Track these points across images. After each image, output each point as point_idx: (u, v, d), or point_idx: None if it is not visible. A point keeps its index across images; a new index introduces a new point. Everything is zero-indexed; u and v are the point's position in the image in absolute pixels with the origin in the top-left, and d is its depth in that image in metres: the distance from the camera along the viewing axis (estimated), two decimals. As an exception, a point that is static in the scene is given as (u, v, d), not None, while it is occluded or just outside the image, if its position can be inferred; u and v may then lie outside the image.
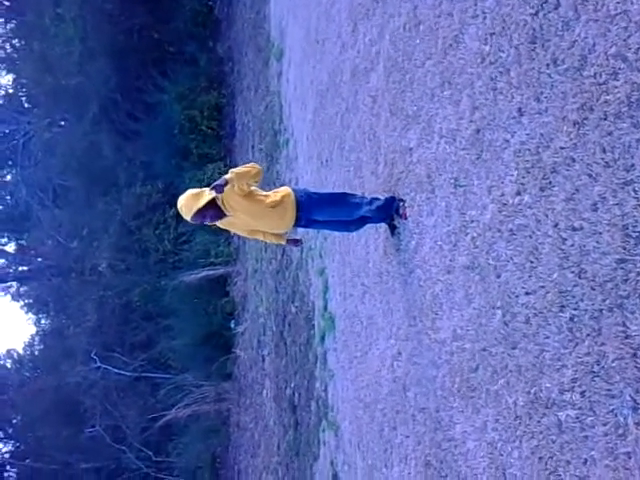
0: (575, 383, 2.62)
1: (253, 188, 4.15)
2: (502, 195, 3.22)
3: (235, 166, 4.64)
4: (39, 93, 17.64)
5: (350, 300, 5.73)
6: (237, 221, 4.25)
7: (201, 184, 10.55)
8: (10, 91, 20.70)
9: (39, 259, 19.97)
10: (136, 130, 15.49)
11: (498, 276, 3.23)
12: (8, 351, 21.03)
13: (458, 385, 3.59)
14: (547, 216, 2.85)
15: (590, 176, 2.60)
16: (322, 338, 6.76)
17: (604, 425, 2.45)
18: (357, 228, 4.75)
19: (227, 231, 6.60)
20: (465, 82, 3.63)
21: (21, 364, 20.89)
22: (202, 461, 14.27)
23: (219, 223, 4.25)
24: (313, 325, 7.25)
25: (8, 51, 20.43)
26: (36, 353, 20.81)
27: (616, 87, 2.48)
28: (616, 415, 2.40)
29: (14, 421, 20.19)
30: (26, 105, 20.34)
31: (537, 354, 2.88)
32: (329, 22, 6.82)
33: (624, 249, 2.41)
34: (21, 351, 21.08)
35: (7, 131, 20.04)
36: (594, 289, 2.54)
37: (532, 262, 2.95)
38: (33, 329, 22.02)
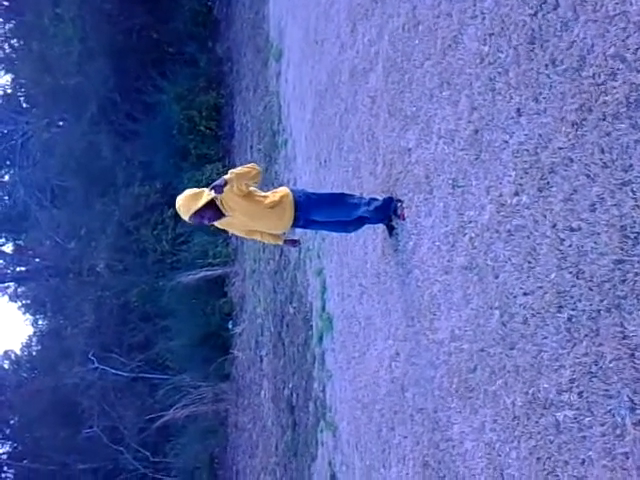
0: (573, 384, 2.63)
1: (252, 189, 4.15)
2: (500, 196, 3.22)
3: (234, 166, 4.64)
4: (38, 93, 17.64)
5: (348, 301, 5.73)
6: (235, 221, 4.25)
7: (199, 184, 10.53)
8: (9, 91, 20.70)
9: (37, 259, 19.95)
10: (135, 130, 15.49)
11: (496, 277, 3.23)
12: (5, 352, 21.04)
13: (456, 385, 3.59)
14: (545, 217, 2.85)
15: (588, 177, 2.60)
16: (320, 339, 6.76)
17: (602, 425, 2.45)
18: (355, 229, 4.75)
19: (225, 231, 6.60)
20: (464, 83, 3.63)
21: (19, 365, 20.86)
22: (200, 462, 14.26)
23: (217, 223, 4.25)
24: (311, 326, 7.25)
25: (7, 51, 20.42)
26: (34, 354, 20.79)
27: (615, 88, 2.48)
28: (614, 415, 2.40)
29: (11, 422, 20.17)
30: (25, 105, 20.33)
31: (535, 354, 2.88)
32: (328, 22, 6.82)
33: (622, 250, 2.41)
34: (19, 352, 21.08)
35: (5, 131, 20.01)
36: (592, 290, 2.54)
37: (530, 263, 2.95)
38: (31, 330, 22.03)
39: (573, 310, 2.65)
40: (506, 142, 3.18)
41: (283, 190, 4.32)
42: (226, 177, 3.90)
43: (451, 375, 3.65)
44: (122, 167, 15.47)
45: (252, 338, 11.07)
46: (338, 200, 4.43)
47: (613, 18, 2.50)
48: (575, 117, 2.68)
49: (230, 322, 13.14)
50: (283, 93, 9.42)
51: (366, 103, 5.33)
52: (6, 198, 20.85)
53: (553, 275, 2.78)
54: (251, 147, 11.97)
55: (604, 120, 2.52)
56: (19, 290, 21.55)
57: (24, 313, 21.44)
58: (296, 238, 5.41)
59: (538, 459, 2.83)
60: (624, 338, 2.38)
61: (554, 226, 2.79)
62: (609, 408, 2.42)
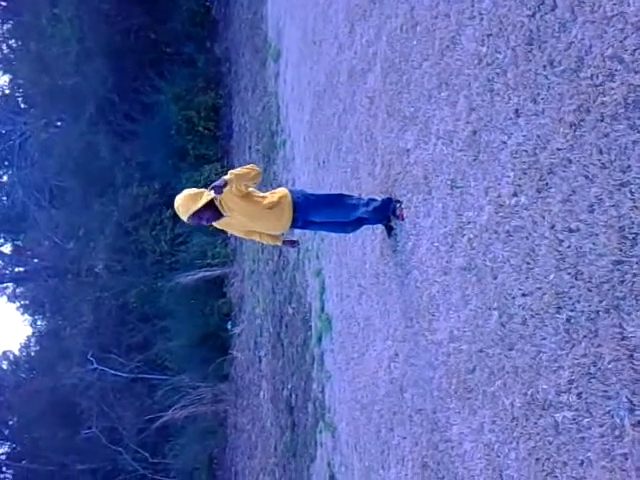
0: (572, 384, 2.63)
1: (251, 189, 4.15)
2: (499, 196, 3.22)
3: (232, 167, 4.63)
4: (36, 93, 17.61)
5: (347, 301, 5.73)
6: (234, 222, 4.25)
7: (198, 185, 10.53)
8: (7, 91, 20.67)
9: (35, 260, 19.93)
10: (133, 131, 15.47)
11: (495, 277, 3.23)
12: (4, 352, 21.01)
13: (455, 386, 3.59)
14: (544, 217, 2.86)
15: (587, 177, 2.60)
16: (319, 339, 6.76)
17: (601, 426, 2.45)
18: (354, 229, 4.75)
19: (224, 232, 6.59)
20: (462, 83, 3.63)
21: (17, 365, 20.85)
22: (199, 462, 14.25)
23: (216, 223, 4.25)
24: (310, 326, 7.25)
25: (5, 51, 20.40)
26: (32, 354, 20.77)
27: (612, 89, 2.48)
28: (612, 416, 2.40)
29: (10, 422, 20.15)
30: (22, 105, 20.31)
31: (534, 355, 2.88)
32: (326, 23, 6.82)
33: (620, 251, 2.41)
34: (17, 352, 21.07)
35: (3, 132, 19.99)
36: (591, 290, 2.54)
37: (529, 263, 2.95)
38: (29, 330, 22.04)
39: (572, 311, 2.65)
40: (504, 143, 3.18)
41: (282, 191, 4.32)
42: (226, 178, 3.90)
43: (450, 376, 3.65)
44: (120, 167, 15.46)
45: (251, 339, 11.07)
46: (337, 201, 4.43)
47: (611, 19, 2.50)
48: (573, 118, 2.68)
49: (229, 323, 13.14)
50: (281, 93, 9.42)
51: (364, 104, 5.33)
52: (4, 198, 20.82)
53: (552, 276, 2.78)
54: (249, 148, 11.96)
55: (602, 121, 2.53)
56: (18, 290, 21.54)
57: (23, 313, 21.45)
58: (295, 239, 5.40)
59: (537, 460, 2.83)
60: (623, 339, 2.38)
61: (553, 227, 2.79)
62: (608, 409, 2.42)
